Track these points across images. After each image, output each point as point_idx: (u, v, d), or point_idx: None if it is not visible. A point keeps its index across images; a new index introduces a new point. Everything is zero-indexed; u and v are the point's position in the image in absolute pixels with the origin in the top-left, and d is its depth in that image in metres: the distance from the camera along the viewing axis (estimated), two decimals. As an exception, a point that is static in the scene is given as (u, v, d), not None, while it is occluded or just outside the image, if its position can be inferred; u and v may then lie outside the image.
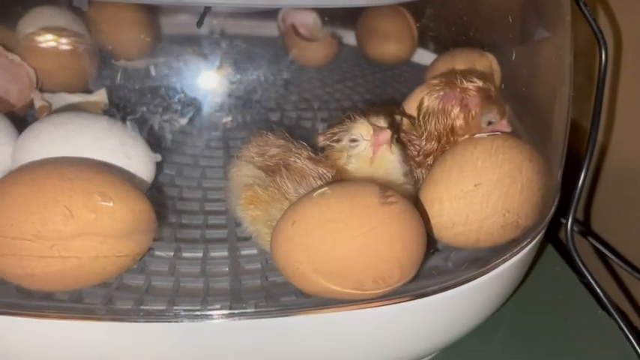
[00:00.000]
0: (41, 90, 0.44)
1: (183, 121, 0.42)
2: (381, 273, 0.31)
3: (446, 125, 0.36)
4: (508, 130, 0.36)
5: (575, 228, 0.44)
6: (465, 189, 0.32)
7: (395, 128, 0.35)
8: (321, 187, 0.32)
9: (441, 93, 0.36)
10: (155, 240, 0.34)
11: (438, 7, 0.54)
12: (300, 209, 0.31)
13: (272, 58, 0.58)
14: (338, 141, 0.35)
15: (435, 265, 0.34)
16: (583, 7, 0.42)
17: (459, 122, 0.35)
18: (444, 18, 0.52)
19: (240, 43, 0.57)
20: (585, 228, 0.52)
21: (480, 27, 0.49)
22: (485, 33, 0.49)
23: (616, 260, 0.49)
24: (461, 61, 0.48)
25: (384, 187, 0.31)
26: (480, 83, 0.36)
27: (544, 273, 0.48)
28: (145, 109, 0.41)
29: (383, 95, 0.57)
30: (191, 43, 0.53)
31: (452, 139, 0.36)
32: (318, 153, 0.37)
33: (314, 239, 0.30)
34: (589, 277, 0.44)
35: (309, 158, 0.36)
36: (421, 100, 0.37)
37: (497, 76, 0.46)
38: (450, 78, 0.37)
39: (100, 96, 0.47)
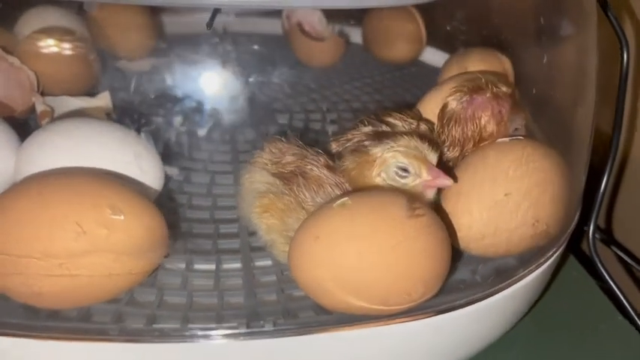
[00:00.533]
0: (42, 94, 0.42)
1: (202, 132, 0.40)
2: (407, 288, 0.29)
3: (474, 132, 0.34)
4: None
5: (596, 235, 0.43)
6: (495, 199, 0.31)
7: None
8: (340, 196, 0.31)
9: (468, 98, 0.35)
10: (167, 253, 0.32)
11: (450, 6, 0.52)
12: (322, 223, 0.29)
13: (279, 59, 0.56)
14: (358, 151, 0.33)
15: (462, 278, 0.33)
16: (604, 6, 0.40)
17: (490, 129, 0.34)
18: (455, 17, 0.51)
19: (244, 41, 0.55)
20: (607, 235, 0.50)
21: (494, 27, 0.48)
22: (499, 33, 0.47)
23: (637, 267, 0.48)
24: (473, 62, 0.47)
25: (412, 198, 0.29)
26: (508, 89, 0.34)
27: (561, 279, 0.46)
28: (160, 119, 0.39)
29: (393, 96, 0.56)
30: (194, 42, 0.51)
31: (476, 145, 0.34)
32: (335, 160, 0.35)
33: (338, 255, 0.28)
34: (611, 282, 0.43)
35: (326, 166, 0.34)
36: (444, 104, 0.36)
37: (511, 77, 0.45)
38: (475, 82, 0.35)
39: (104, 99, 0.45)
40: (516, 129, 0.34)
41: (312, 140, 0.48)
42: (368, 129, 0.37)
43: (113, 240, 0.27)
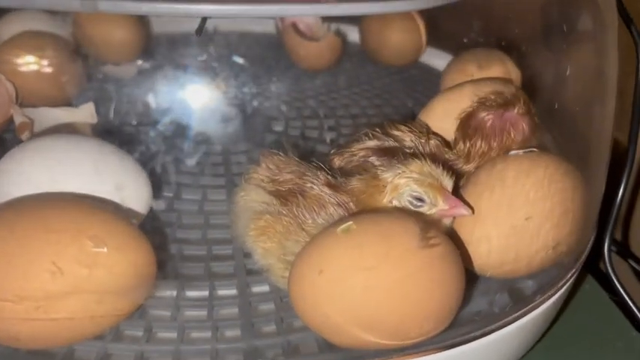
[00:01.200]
0: (21, 105, 0.39)
1: (191, 162, 0.38)
2: (419, 322, 0.27)
3: (501, 146, 0.32)
4: None
5: (612, 248, 0.41)
6: (515, 224, 0.29)
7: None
8: (343, 219, 0.28)
9: (501, 111, 0.33)
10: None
11: (451, 7, 0.50)
12: (325, 253, 0.26)
13: (273, 63, 0.53)
14: (367, 170, 0.31)
15: (477, 309, 0.30)
16: (619, 7, 0.38)
17: (515, 145, 0.31)
18: (458, 17, 0.48)
19: (237, 43, 0.53)
20: (623, 248, 0.48)
21: (500, 28, 0.45)
22: (505, 34, 0.45)
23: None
24: (477, 65, 0.45)
25: (426, 224, 0.27)
26: (532, 108, 0.32)
27: (574, 293, 0.44)
28: (145, 144, 0.36)
29: (393, 100, 0.53)
30: (184, 46, 0.49)
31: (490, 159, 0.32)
32: (337, 176, 0.32)
33: (344, 289, 0.26)
34: (626, 297, 0.41)
35: (328, 184, 0.32)
36: (469, 114, 0.33)
37: (517, 81, 0.43)
38: (504, 95, 0.33)
39: (87, 110, 0.42)
40: (531, 147, 0.32)
41: (309, 148, 0.46)
42: (373, 143, 0.34)
43: (95, 279, 0.24)
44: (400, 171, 0.29)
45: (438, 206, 0.29)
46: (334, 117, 0.50)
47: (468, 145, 0.33)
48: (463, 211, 0.29)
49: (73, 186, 0.28)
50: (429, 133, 0.35)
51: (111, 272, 0.25)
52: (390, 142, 0.34)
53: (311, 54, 0.55)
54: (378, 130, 0.35)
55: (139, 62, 0.50)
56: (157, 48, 0.52)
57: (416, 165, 0.29)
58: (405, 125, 0.35)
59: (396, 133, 0.34)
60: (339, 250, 0.26)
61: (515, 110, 0.33)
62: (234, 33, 0.54)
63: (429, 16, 0.54)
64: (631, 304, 0.41)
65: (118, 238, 0.26)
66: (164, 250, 0.34)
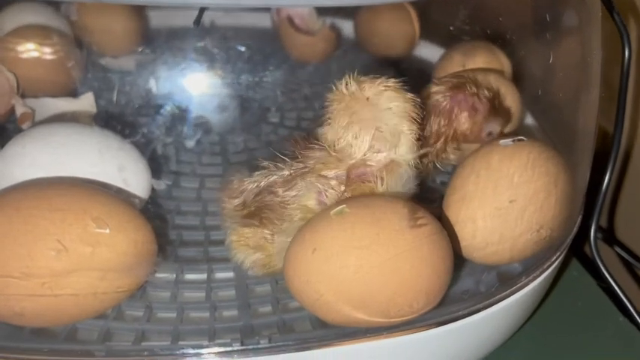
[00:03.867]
0: (22, 96, 0.40)
1: (190, 143, 0.39)
2: (409, 299, 0.28)
3: (448, 127, 0.33)
4: None
5: (598, 235, 0.42)
6: (500, 206, 0.30)
7: None
8: (337, 203, 0.29)
9: (450, 93, 0.34)
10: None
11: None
12: (319, 234, 0.28)
13: (269, 56, 0.54)
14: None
15: (465, 288, 0.32)
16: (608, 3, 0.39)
17: (463, 128, 0.33)
18: (451, 10, 0.49)
19: (233, 37, 0.53)
20: (609, 234, 0.49)
21: (491, 20, 0.46)
22: (496, 26, 0.46)
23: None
24: (469, 57, 0.46)
25: (414, 206, 0.28)
26: (490, 93, 0.33)
27: (561, 279, 0.45)
28: (145, 129, 0.37)
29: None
30: (181, 39, 0.49)
31: (447, 142, 0.33)
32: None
33: (337, 267, 0.27)
34: (613, 283, 0.42)
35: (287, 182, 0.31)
36: (427, 95, 0.35)
37: (508, 72, 0.44)
38: (460, 79, 0.34)
39: (87, 100, 0.43)
40: (490, 133, 0.33)
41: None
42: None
43: (98, 257, 0.25)
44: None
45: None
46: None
47: (427, 126, 0.34)
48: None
49: (77, 169, 0.29)
50: None
51: (113, 250, 0.26)
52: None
53: (306, 47, 0.55)
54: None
55: (137, 55, 0.51)
56: (154, 40, 0.53)
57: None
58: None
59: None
60: (332, 230, 0.27)
61: (466, 91, 0.34)
62: (231, 27, 0.55)
63: (421, 8, 0.55)
64: (617, 290, 0.42)
65: (119, 218, 0.27)
66: (164, 235, 0.35)
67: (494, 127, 0.35)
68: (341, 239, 0.27)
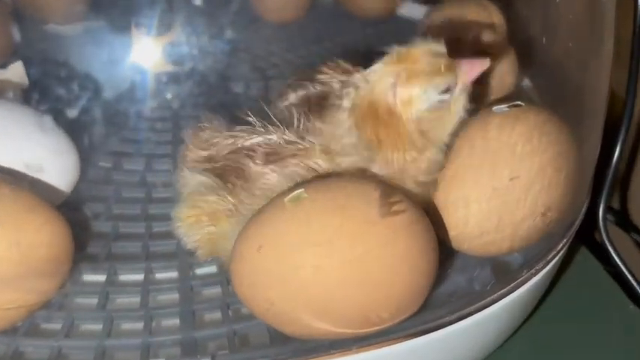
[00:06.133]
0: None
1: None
2: (381, 306, 0.23)
3: None
4: None
5: (608, 217, 0.37)
6: (498, 185, 0.24)
7: None
8: (294, 187, 0.23)
9: None
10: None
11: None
12: (267, 227, 0.22)
13: (233, 14, 0.48)
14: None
15: (453, 288, 0.26)
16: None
17: None
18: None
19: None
20: (620, 217, 0.44)
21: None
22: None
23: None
24: (457, 13, 0.40)
25: (387, 189, 0.22)
26: None
27: (566, 265, 0.41)
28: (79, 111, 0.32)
29: (369, 55, 0.48)
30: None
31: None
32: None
33: (289, 268, 0.21)
34: (624, 268, 0.37)
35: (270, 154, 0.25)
36: None
37: (502, 29, 0.38)
38: None
39: (16, 70, 0.37)
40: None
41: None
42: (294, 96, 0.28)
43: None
44: (394, 77, 0.23)
45: (461, 80, 0.24)
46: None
47: None
48: (483, 65, 0.24)
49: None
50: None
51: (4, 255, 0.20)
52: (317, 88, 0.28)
53: (276, 5, 0.49)
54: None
55: (83, 21, 0.45)
56: (102, 5, 0.47)
57: (404, 55, 0.24)
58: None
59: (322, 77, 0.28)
60: (283, 222, 0.22)
61: None
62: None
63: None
64: (628, 275, 0.37)
65: (17, 212, 0.21)
66: (90, 229, 0.30)
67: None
68: (294, 233, 0.21)
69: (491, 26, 0.37)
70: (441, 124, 0.24)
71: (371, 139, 0.24)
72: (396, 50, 0.24)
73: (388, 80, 0.24)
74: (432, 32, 0.29)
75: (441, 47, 0.24)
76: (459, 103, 0.24)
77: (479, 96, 0.27)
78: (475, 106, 0.25)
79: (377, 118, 0.24)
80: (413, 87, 0.23)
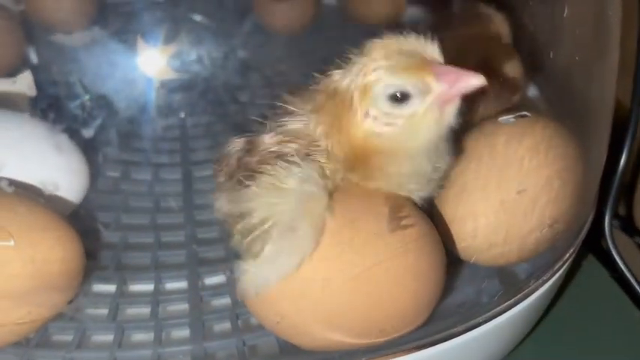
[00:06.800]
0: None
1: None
2: (390, 317, 0.23)
3: None
4: None
5: (613, 223, 0.37)
6: (506, 198, 0.24)
7: None
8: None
9: None
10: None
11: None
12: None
13: (239, 26, 0.48)
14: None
15: (462, 300, 0.26)
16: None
17: None
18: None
19: (198, 3, 0.48)
20: (625, 223, 0.44)
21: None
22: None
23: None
24: (460, 21, 0.40)
25: (397, 203, 0.22)
26: None
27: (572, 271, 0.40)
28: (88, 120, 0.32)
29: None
30: (136, 9, 0.44)
31: None
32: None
33: (300, 282, 0.22)
34: (628, 274, 0.37)
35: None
36: None
37: (506, 38, 0.38)
38: None
39: (25, 81, 0.37)
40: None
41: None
42: None
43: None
44: (360, 65, 0.22)
45: (433, 91, 0.21)
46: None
47: None
48: (472, 81, 0.20)
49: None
50: None
51: (17, 271, 0.20)
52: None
53: (282, 15, 0.50)
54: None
55: (91, 30, 0.46)
56: (110, 15, 0.47)
57: (379, 46, 0.22)
58: None
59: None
60: (292, 236, 0.22)
61: None
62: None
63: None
64: (634, 283, 0.37)
65: (30, 225, 0.21)
66: (99, 239, 0.30)
67: None
68: (304, 247, 0.21)
69: (497, 36, 0.37)
70: (407, 131, 0.22)
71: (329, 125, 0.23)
72: (373, 42, 0.22)
73: (355, 69, 0.22)
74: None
75: (420, 46, 0.22)
76: (429, 114, 0.21)
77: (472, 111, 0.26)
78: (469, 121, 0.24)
79: (336, 105, 0.22)
80: (370, 76, 0.21)
